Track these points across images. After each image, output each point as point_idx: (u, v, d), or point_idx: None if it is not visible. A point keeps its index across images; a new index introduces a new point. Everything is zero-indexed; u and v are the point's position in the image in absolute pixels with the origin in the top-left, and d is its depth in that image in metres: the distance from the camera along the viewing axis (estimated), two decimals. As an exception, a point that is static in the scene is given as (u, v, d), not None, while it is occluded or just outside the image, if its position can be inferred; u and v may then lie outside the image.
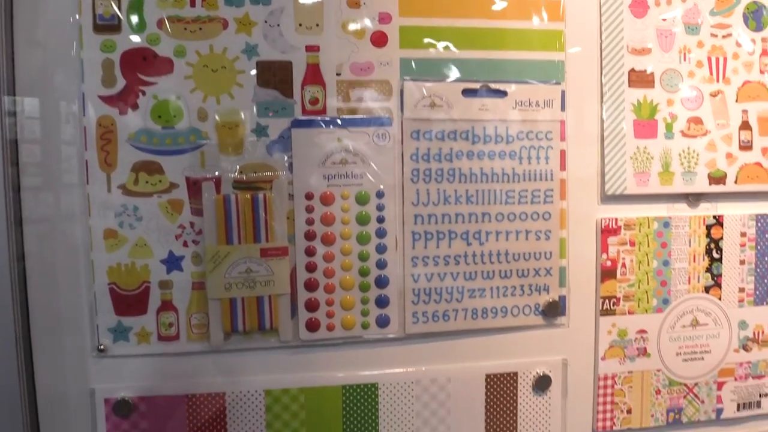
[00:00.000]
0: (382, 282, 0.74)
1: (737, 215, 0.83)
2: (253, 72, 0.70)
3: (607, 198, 0.80)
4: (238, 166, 0.71)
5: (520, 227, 0.77)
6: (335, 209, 0.73)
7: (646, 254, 0.81)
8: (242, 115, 0.71)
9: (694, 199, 0.83)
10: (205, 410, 0.73)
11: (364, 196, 0.73)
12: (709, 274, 0.83)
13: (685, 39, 0.80)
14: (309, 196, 0.72)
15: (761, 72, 0.82)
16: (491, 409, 0.78)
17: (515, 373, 0.78)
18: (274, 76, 0.71)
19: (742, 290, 0.84)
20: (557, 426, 0.80)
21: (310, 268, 0.73)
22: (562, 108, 0.77)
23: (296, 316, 0.73)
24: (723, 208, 0.84)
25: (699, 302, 0.83)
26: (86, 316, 0.71)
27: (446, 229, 0.75)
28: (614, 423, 0.82)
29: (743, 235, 0.83)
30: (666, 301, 0.82)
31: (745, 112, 0.83)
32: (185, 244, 0.71)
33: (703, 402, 0.84)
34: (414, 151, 0.74)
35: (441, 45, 0.74)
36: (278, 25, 0.71)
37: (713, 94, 0.81)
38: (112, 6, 0.68)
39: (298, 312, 0.73)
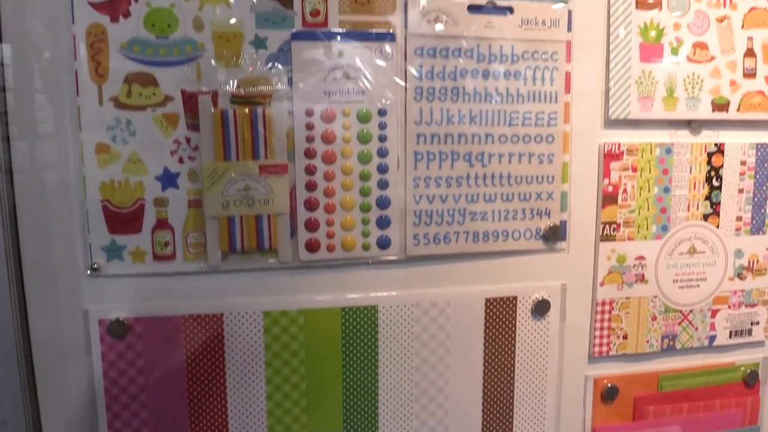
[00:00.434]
0: (383, 202, 0.73)
1: (738, 144, 0.83)
2: (252, -21, 0.67)
3: (611, 122, 0.79)
4: (236, 80, 0.68)
5: (523, 150, 0.76)
6: (336, 127, 0.71)
7: (648, 180, 0.80)
8: (240, 26, 0.67)
9: (696, 126, 0.82)
10: (202, 331, 0.71)
11: (365, 114, 0.71)
12: (708, 202, 0.83)
13: (694, -40, 0.78)
14: (309, 113, 0.70)
15: (768, -3, 0.81)
16: (490, 333, 0.78)
17: (514, 298, 0.78)
18: (274, -16, 0.68)
19: (739, 219, 0.84)
20: (554, 350, 0.80)
21: (310, 187, 0.71)
22: (569, 28, 0.75)
23: (296, 237, 0.72)
24: (724, 136, 0.83)
25: (697, 230, 0.83)
26: (78, 234, 0.69)
27: (449, 150, 0.74)
28: (610, 348, 0.82)
29: (743, 163, 0.83)
30: (665, 228, 0.81)
31: (750, 39, 0.81)
32: (181, 161, 0.69)
33: (697, 329, 0.85)
34: (417, 68, 0.72)
35: (447, -43, 0.71)
36: (278, -71, 0.67)
37: (719, 20, 0.80)
38: None
39: (297, 232, 0.72)
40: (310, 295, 0.73)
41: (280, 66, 0.69)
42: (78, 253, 0.69)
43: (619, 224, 0.80)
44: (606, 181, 0.79)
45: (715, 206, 0.83)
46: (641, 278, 0.82)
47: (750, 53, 0.81)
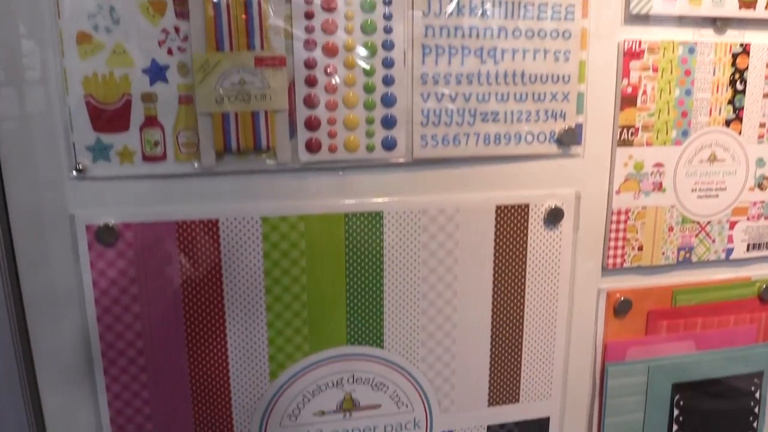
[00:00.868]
0: (388, 100, 0.68)
1: (765, 45, 0.78)
2: None
3: (632, 18, 0.74)
4: (227, -38, 0.62)
5: (538, 45, 0.70)
6: (338, 16, 0.65)
7: (669, 82, 0.75)
8: None
9: (721, 24, 0.76)
10: (197, 238, 0.67)
11: (370, 3, 0.66)
12: (731, 107, 0.78)
13: None
14: (308, 0, 0.64)
15: None
16: (500, 243, 0.74)
17: (526, 205, 0.74)
18: None
19: (762, 126, 0.80)
20: (567, 262, 0.76)
21: (310, 82, 0.66)
22: None
23: (295, 136, 0.67)
24: (751, 36, 0.78)
25: (718, 136, 0.78)
26: (61, 133, 0.63)
27: (459, 44, 0.68)
28: (624, 260, 0.78)
29: (769, 66, 0.78)
30: (685, 133, 0.77)
31: (781, -72, 0.75)
32: (170, 52, 0.63)
33: (714, 241, 0.81)
34: (426, -49, 0.65)
35: None
36: None
37: None
38: None
39: (297, 131, 0.66)
40: (310, 200, 0.69)
41: (275, -54, 0.62)
42: (61, 154, 0.64)
43: (638, 128, 0.75)
44: (625, 81, 0.74)
45: (738, 111, 0.78)
46: (659, 187, 0.77)
47: (781, -55, 0.75)
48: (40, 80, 0.62)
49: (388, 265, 0.71)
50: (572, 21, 0.71)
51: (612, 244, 0.78)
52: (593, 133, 0.74)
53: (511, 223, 0.74)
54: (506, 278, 0.75)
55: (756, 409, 0.87)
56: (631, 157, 0.76)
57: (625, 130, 0.75)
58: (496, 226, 0.73)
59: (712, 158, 0.79)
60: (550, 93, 0.72)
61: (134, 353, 0.69)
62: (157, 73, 0.63)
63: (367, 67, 0.66)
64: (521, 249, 0.75)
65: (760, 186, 0.81)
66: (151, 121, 0.64)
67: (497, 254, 0.74)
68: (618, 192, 0.77)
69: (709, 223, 0.81)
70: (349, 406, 0.75)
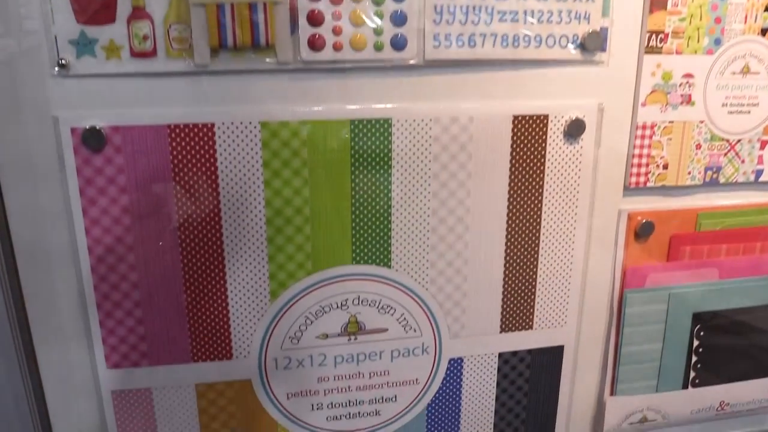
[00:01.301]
0: (399, -6, 0.61)
1: (807, -55, 0.71)
2: None
3: None
4: None
5: (562, -63, 0.63)
6: None
7: (702, -17, 0.68)
8: None
9: None
10: (191, 144, 0.62)
11: None
12: (768, 14, 0.71)
13: None
14: None
15: None
16: (517, 157, 0.68)
17: (546, 116, 0.68)
18: None
19: (800, 36, 0.73)
20: (587, 178, 0.71)
21: (313, -30, 0.59)
22: None
23: (297, 33, 0.61)
24: (793, -66, 0.71)
25: (753, 46, 0.72)
26: (40, 25, 0.57)
27: (476, -67, 0.61)
28: (648, 179, 0.73)
29: (811, -31, 0.71)
30: (718, 42, 0.71)
31: None
32: (158, -67, 0.57)
33: (743, 161, 0.76)
34: None
35: None
36: None
37: None
38: None
39: (298, 27, 0.60)
40: (313, 104, 0.63)
41: None
42: (42, 48, 0.58)
43: (667, 34, 0.69)
44: (655, -20, 0.67)
45: (776, 19, 0.72)
46: (688, 100, 0.72)
47: None
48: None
49: (397, 178, 0.66)
50: None
51: (635, 161, 0.73)
52: (619, 38, 0.69)
53: (528, 135, 0.68)
54: (522, 195, 0.70)
55: (779, 341, 0.83)
56: (659, 66, 0.70)
57: (653, 36, 0.69)
58: (512, 138, 0.68)
59: (746, 70, 0.73)
60: (574, -8, 0.66)
61: (126, 268, 0.64)
62: (144, -43, 0.57)
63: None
64: (539, 164, 0.70)
65: (795, 102, 0.75)
66: (138, 13, 0.59)
67: (513, 169, 0.69)
68: (644, 104, 0.71)
69: (739, 141, 0.75)
70: (354, 329, 0.70)
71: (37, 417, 0.67)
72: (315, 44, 0.62)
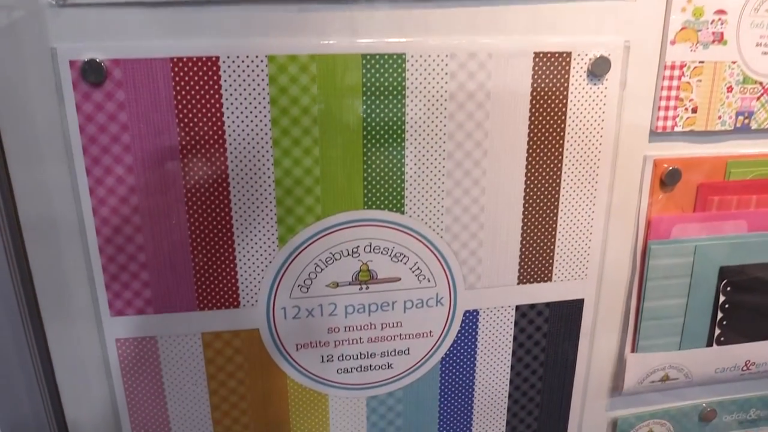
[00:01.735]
0: None
1: None
2: None
3: None
4: None
5: None
6: None
7: None
8: None
9: None
10: (194, 78, 0.58)
11: None
12: (807, -54, 0.66)
13: None
14: None
15: None
16: (537, 97, 0.64)
17: (568, 54, 0.64)
18: None
19: (842, -30, 0.68)
20: (611, 121, 0.67)
21: None
22: None
23: (306, -41, 0.57)
24: None
25: (791, -19, 0.67)
26: (36, -50, 0.54)
27: None
28: (676, 123, 0.69)
29: None
30: (754, -25, 0.66)
31: None
32: None
33: (777, 106, 0.71)
34: None
35: None
36: None
37: None
38: None
39: (307, -47, 0.57)
40: (324, 37, 0.60)
41: None
42: (38, -25, 0.55)
43: (700, -34, 0.64)
44: None
45: (816, -49, 0.67)
46: (719, 38, 0.67)
47: None
48: None
49: (411, 117, 0.63)
50: None
51: (663, 104, 0.69)
52: (648, -31, 0.64)
53: (550, 74, 0.64)
54: (542, 138, 0.66)
55: (810, 298, 0.79)
56: (690, 2, 0.66)
57: (684, -32, 0.64)
58: (533, 77, 0.64)
59: (782, 7, 0.68)
60: None
61: (128, 210, 0.62)
62: None
63: None
64: (561, 106, 0.66)
65: (834, 43, 0.71)
66: (139, -64, 0.55)
67: (533, 110, 0.65)
68: (673, 42, 0.67)
69: (773, 84, 0.71)
70: (365, 277, 0.67)
71: (40, 365, 0.65)
72: (325, -29, 0.58)
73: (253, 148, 0.62)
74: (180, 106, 0.59)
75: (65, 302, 0.64)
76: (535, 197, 0.68)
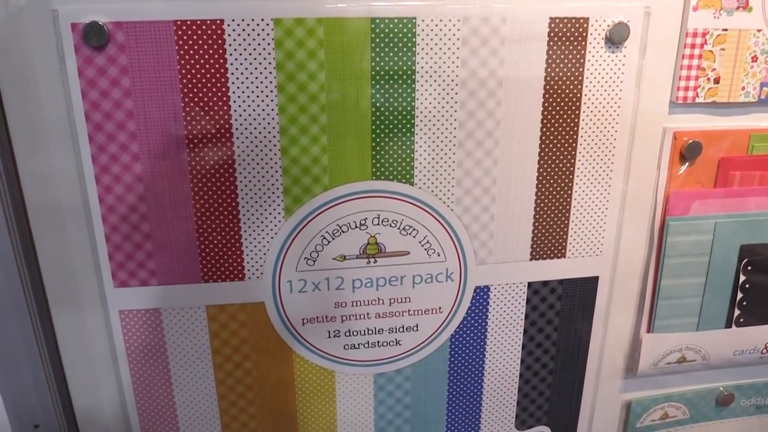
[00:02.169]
0: None
1: None
2: None
3: None
4: None
5: None
6: None
7: None
8: None
9: None
10: (198, 42, 0.57)
11: None
12: None
13: None
14: None
15: None
16: (553, 64, 0.62)
17: (586, 20, 0.61)
18: None
19: None
20: (630, 93, 0.65)
21: None
22: None
23: None
24: None
25: (821, -55, 0.64)
26: None
27: None
28: (697, 94, 0.66)
29: None
30: (782, -62, 0.63)
31: None
32: None
33: (804, 76, 0.68)
34: None
35: None
36: None
37: None
38: None
39: None
40: (332, 0, 0.57)
41: None
42: (38, -67, 0.53)
43: (725, -72, 0.62)
44: None
45: None
46: (744, 5, 0.65)
47: None
48: None
49: (421, 85, 0.61)
50: None
51: (684, 73, 0.66)
52: (671, -69, 0.61)
53: (566, 40, 0.62)
54: (558, 108, 0.64)
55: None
56: (714, -35, 0.63)
57: (709, -70, 0.62)
58: (548, 43, 0.62)
59: (812, -27, 0.65)
60: None
61: (131, 179, 0.60)
62: None
63: None
64: (577, 74, 0.63)
65: None
66: None
67: (548, 79, 0.63)
68: (695, 9, 0.64)
69: (800, 54, 0.68)
70: (373, 251, 0.66)
71: (42, 337, 0.64)
72: (333, -70, 0.56)
73: (258, 115, 0.60)
74: (184, 71, 0.58)
75: (69, 274, 0.63)
76: (549, 169, 0.66)
